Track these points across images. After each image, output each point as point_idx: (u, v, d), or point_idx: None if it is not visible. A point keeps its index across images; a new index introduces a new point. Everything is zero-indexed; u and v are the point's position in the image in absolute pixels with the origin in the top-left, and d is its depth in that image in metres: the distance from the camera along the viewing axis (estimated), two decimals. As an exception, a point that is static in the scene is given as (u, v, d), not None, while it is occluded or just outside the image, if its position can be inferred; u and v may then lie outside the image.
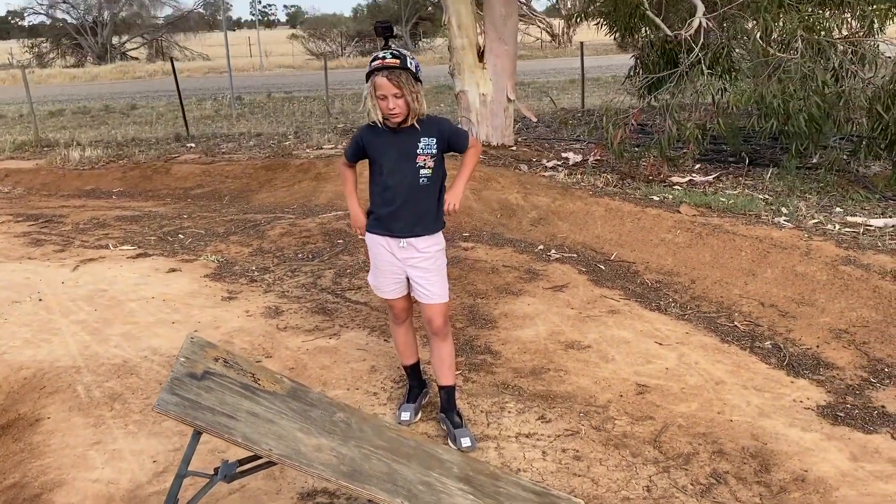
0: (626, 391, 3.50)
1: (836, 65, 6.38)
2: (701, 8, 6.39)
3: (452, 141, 3.01)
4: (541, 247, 5.63)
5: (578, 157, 7.83)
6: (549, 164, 7.56)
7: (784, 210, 5.54)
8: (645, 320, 4.30)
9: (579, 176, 6.96)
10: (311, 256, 5.70)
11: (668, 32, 6.62)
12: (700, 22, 6.32)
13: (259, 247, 5.97)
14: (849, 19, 6.73)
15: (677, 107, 6.77)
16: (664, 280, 4.91)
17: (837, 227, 5.11)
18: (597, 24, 9.77)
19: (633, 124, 6.63)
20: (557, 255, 5.43)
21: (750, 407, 3.31)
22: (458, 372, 3.74)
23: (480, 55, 8.18)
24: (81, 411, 3.45)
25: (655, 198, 6.03)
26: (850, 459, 2.89)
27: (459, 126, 3.11)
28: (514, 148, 8.33)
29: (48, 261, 5.74)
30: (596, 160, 7.61)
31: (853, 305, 4.12)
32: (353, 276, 5.21)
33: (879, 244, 4.65)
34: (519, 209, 6.36)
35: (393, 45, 2.94)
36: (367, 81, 2.87)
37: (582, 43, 14.40)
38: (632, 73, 8.75)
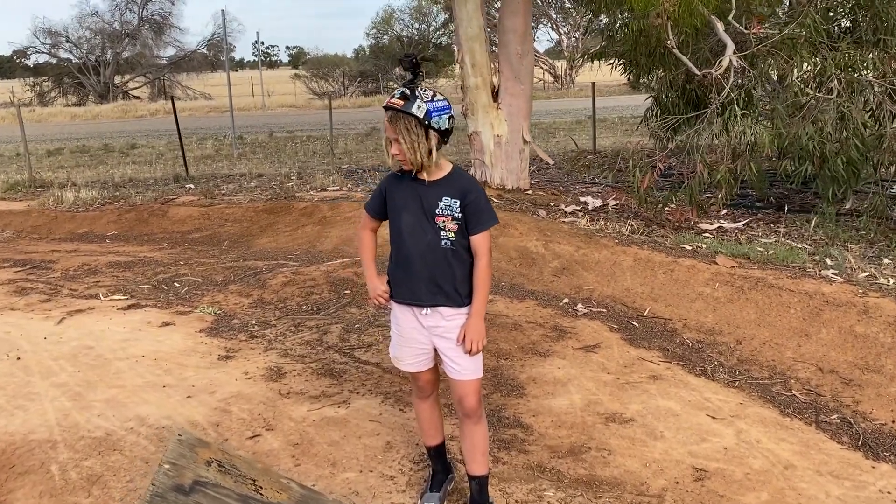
0: (681, 476, 3.04)
1: (875, 105, 6.02)
2: (731, 46, 6.06)
3: (471, 216, 2.56)
4: (566, 300, 5.19)
5: (598, 202, 7.44)
6: (568, 209, 7.17)
7: (829, 261, 5.11)
8: (691, 388, 3.84)
9: (602, 222, 6.56)
10: (316, 309, 5.26)
11: (696, 71, 6.27)
12: (730, 60, 5.97)
13: (260, 297, 5.53)
14: (886, 58, 6.39)
15: (706, 150, 6.39)
16: (706, 340, 4.46)
17: (892, 281, 4.68)
18: (611, 65, 9.46)
19: (660, 168, 6.24)
20: (585, 310, 4.99)
21: (830, 499, 2.84)
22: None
23: (495, 95, 7.85)
24: (54, 498, 2.98)
25: (687, 247, 5.62)
26: (968, 574, 2.42)
27: (486, 200, 2.62)
28: (529, 192, 7.95)
29: (32, 312, 5.30)
30: (617, 205, 7.21)
31: (928, 373, 3.68)
32: (363, 331, 4.77)
33: (945, 302, 4.22)
34: (539, 258, 5.94)
35: (417, 82, 2.58)
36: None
37: (593, 84, 14.15)
38: (649, 115, 8.43)
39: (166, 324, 5.00)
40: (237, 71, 76.08)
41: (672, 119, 7.07)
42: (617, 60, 8.87)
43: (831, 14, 6.58)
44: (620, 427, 3.45)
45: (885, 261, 5.20)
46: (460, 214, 2.56)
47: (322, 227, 7.36)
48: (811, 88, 6.05)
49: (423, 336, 2.69)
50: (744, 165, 6.14)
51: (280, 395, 3.89)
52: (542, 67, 36.36)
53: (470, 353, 2.63)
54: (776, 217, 6.60)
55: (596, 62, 9.70)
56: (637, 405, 3.66)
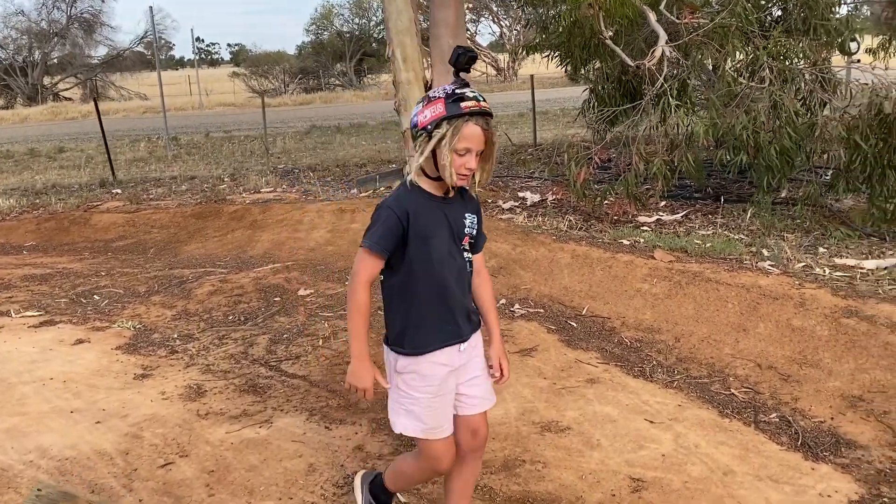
0: (618, 488, 2.89)
1: (806, 93, 6.01)
2: (663, 36, 5.98)
3: (479, 232, 2.35)
4: (503, 301, 5.04)
5: (537, 197, 7.32)
6: (506, 206, 7.02)
7: (766, 252, 5.07)
8: (629, 390, 3.72)
9: (540, 218, 6.42)
10: (243, 319, 5.00)
11: (630, 62, 6.18)
12: (663, 51, 5.89)
13: (184, 308, 5.24)
14: (816, 46, 6.40)
15: (642, 141, 6.31)
16: (645, 338, 4.35)
17: (828, 270, 4.64)
18: (547, 57, 9.34)
19: (596, 162, 6.13)
20: (522, 311, 4.84)
21: (772, 507, 2.73)
22: (415, 468, 3.08)
23: (428, 90, 7.64)
24: (-66, 548, 2.69)
25: (625, 241, 5.51)
26: (910, 583, 2.33)
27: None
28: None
29: (-69, 335, 4.92)
30: (555, 199, 7.09)
31: (864, 366, 3.61)
32: (291, 341, 4.53)
33: (880, 291, 4.18)
34: (476, 257, 5.77)
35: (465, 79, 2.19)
36: (436, 124, 2.08)
37: (532, 76, 14.06)
38: (586, 107, 8.33)
39: (80, 341, 4.68)
40: (177, 70, 74.29)
41: (608, 111, 6.98)
42: (553, 53, 8.75)
43: (762, 3, 6.56)
44: (556, 436, 3.30)
45: (821, 250, 5.18)
46: (476, 233, 2.33)
47: (253, 231, 7.07)
48: (744, 78, 6.01)
49: (454, 379, 2.33)
50: (680, 156, 6.08)
51: (198, 416, 3.64)
52: (484, 61, 36.31)
53: (503, 375, 2.41)
54: (714, 208, 6.57)
55: (537, 55, 9.58)
56: (574, 412, 3.52)
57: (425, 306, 2.22)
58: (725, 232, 5.73)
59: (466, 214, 2.27)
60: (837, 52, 8.74)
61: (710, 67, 7.47)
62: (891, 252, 5.10)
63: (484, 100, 2.11)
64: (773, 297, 4.27)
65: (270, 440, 3.37)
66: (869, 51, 11.61)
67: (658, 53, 5.88)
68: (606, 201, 6.55)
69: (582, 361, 4.08)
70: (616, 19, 6.30)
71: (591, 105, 8.19)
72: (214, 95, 34.83)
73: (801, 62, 6.38)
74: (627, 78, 7.35)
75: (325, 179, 9.31)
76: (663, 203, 6.82)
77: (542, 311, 4.84)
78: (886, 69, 6.46)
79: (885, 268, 4.68)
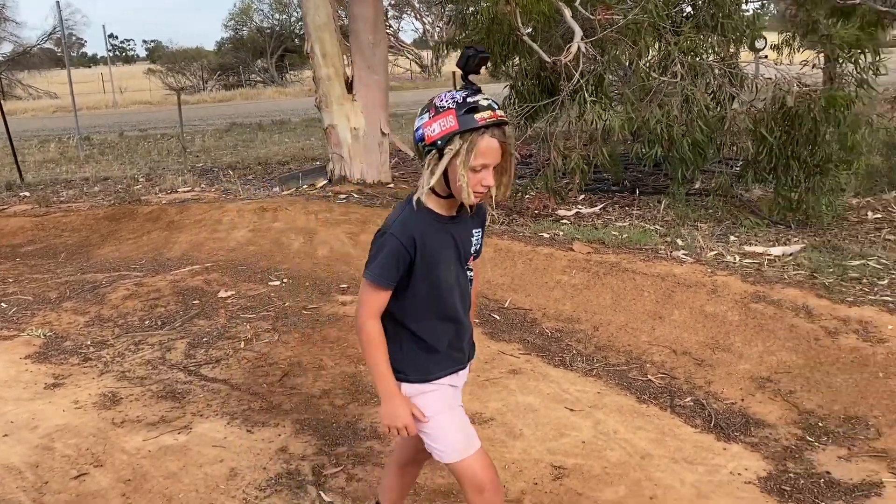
0: (540, 476, 2.95)
1: (716, 87, 6.24)
2: (579, 33, 6.10)
3: (482, 242, 2.21)
4: (427, 296, 5.05)
5: (460, 192, 7.36)
6: (430, 201, 7.04)
7: (680, 242, 5.24)
8: (550, 380, 3.79)
9: (463, 213, 6.46)
10: (160, 323, 4.85)
11: (547, 58, 6.27)
12: (579, 47, 6.01)
13: (97, 314, 5.06)
14: (724, 42, 6.65)
15: (560, 136, 6.42)
16: (565, 328, 4.44)
17: (738, 258, 4.83)
18: (468, 53, 9.38)
19: (516, 157, 6.20)
20: (446, 306, 4.86)
21: (685, 487, 2.83)
22: (339, 467, 3.07)
23: (349, 86, 7.59)
24: None
25: (546, 235, 5.61)
26: (812, 552, 2.45)
27: None
28: (391, 185, 7.76)
29: None
30: (478, 195, 7.15)
31: (771, 348, 3.78)
32: (211, 345, 4.43)
33: (785, 276, 4.38)
34: (400, 253, 5.77)
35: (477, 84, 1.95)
36: (447, 139, 1.87)
37: (454, 73, 14.11)
38: (507, 103, 8.41)
39: (-15, 352, 4.46)
40: (90, 67, 71.31)
41: (528, 107, 7.07)
42: (473, 49, 8.79)
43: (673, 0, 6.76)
44: (480, 428, 3.33)
45: (732, 238, 5.38)
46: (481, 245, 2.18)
47: (170, 232, 6.87)
48: (657, 73, 6.19)
49: (459, 396, 2.25)
50: (597, 151, 6.22)
51: (113, 424, 3.52)
52: (408, 57, 36.29)
53: None
54: (631, 200, 6.74)
55: (459, 51, 9.61)
56: (497, 403, 3.56)
57: (431, 335, 2.08)
58: (641, 223, 5.89)
59: (474, 231, 2.11)
60: (746, 49, 9.11)
61: (626, 63, 7.67)
62: (795, 239, 5.35)
63: (499, 106, 1.91)
64: (687, 285, 4.42)
65: (190, 446, 3.29)
66: (774, 47, 12.14)
67: (574, 49, 6.00)
68: (527, 196, 6.64)
69: (505, 353, 4.14)
70: (533, 16, 6.39)
71: (512, 101, 8.28)
72: (129, 93, 33.66)
73: (711, 58, 6.61)
74: (546, 74, 7.45)
75: (246, 178, 9.13)
76: (582, 196, 6.96)
77: (466, 305, 4.87)
78: (791, 64, 6.76)
79: (790, 254, 4.91)
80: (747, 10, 7.68)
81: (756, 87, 6.23)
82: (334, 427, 3.40)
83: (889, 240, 5.26)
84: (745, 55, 8.32)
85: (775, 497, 2.75)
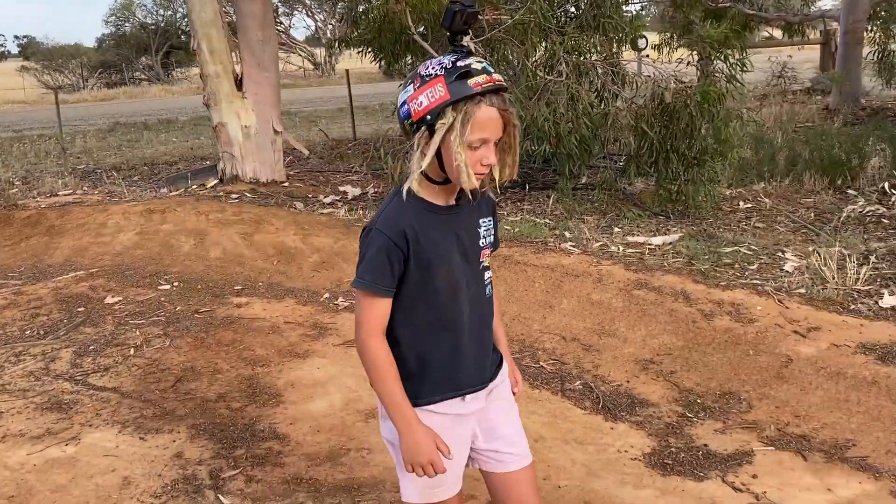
0: (440, 465, 3.02)
1: (599, 86, 6.51)
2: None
3: (496, 234, 1.88)
4: (327, 294, 5.04)
5: (358, 191, 7.37)
6: (328, 200, 7.01)
7: (568, 234, 5.45)
8: (449, 372, 3.87)
9: (361, 211, 6.48)
10: (42, 333, 4.63)
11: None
12: (469, 46, 6.12)
13: (-28, 326, 4.76)
14: (606, 42, 6.94)
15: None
16: (462, 321, 4.54)
17: (621, 248, 5.08)
18: (360, 52, 9.39)
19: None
20: (346, 303, 4.87)
21: (576, 466, 2.97)
22: (238, 469, 3.04)
23: (238, 83, 7.45)
24: None
25: (442, 230, 5.70)
26: (690, 518, 2.63)
27: None
28: (286, 184, 7.67)
29: None
30: (376, 193, 7.18)
31: (653, 332, 4.01)
32: (99, 353, 4.27)
33: (665, 264, 4.64)
34: (298, 253, 5.72)
35: (467, 46, 1.69)
36: (438, 112, 1.59)
37: (347, 71, 14.05)
38: (402, 101, 8.48)
39: None
40: (-47, 64, 66.26)
41: (421, 104, 7.15)
42: (366, 48, 8.81)
43: (557, 1, 6.99)
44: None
45: (616, 229, 5.64)
46: (494, 237, 1.85)
47: (50, 237, 6.54)
48: (543, 72, 6.39)
49: (468, 437, 1.86)
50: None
51: (-7, 440, 3.34)
52: (300, 55, 35.77)
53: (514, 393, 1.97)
54: (522, 195, 6.94)
55: (353, 49, 9.59)
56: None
57: (424, 347, 1.75)
58: (532, 217, 6.09)
59: (481, 221, 1.79)
60: (629, 48, 9.52)
61: (515, 63, 7.88)
62: (675, 228, 5.67)
63: (494, 71, 1.62)
64: (575, 275, 4.62)
65: (79, 457, 3.17)
66: (654, 47, 12.75)
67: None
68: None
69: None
70: (423, 15, 6.47)
71: (406, 99, 8.34)
72: (0, 92, 31.59)
73: (594, 57, 6.89)
74: (439, 72, 7.56)
75: (132, 179, 8.79)
76: (477, 192, 7.11)
77: (364, 302, 4.90)
78: (669, 63, 7.12)
79: (670, 243, 5.21)
80: (629, 12, 8.05)
81: (637, 84, 6.55)
82: (231, 430, 3.36)
83: (758, 227, 5.65)
84: (628, 54, 8.72)
85: (658, 471, 2.93)
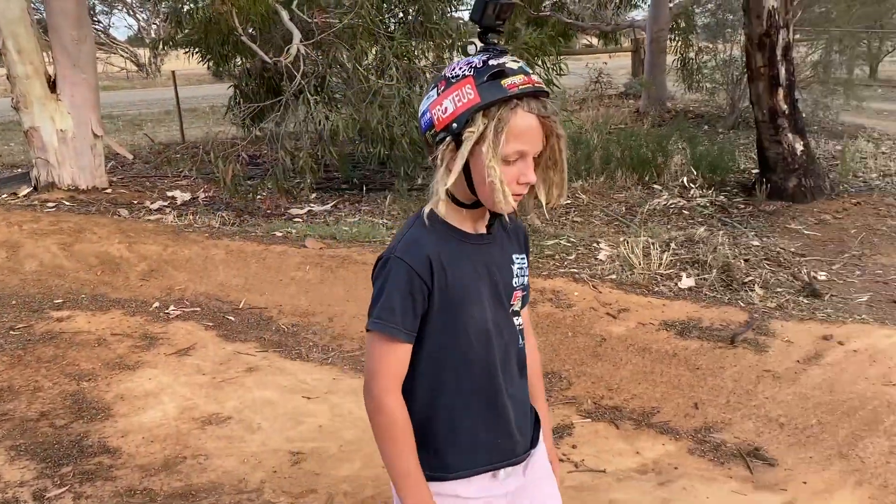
0: (279, 464, 3.06)
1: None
2: (297, 34, 6.23)
3: (527, 278, 1.58)
4: (156, 304, 4.88)
5: (188, 196, 7.13)
6: (154, 206, 6.74)
7: (404, 233, 5.61)
8: (288, 373, 3.90)
9: (191, 217, 6.30)
10: None
11: (267, 59, 6.33)
12: (298, 49, 6.14)
13: None
14: (433, 47, 7.19)
15: (287, 136, 6.51)
16: (301, 322, 4.56)
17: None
18: (187, 53, 9.09)
19: (244, 157, 6.19)
20: (178, 312, 4.74)
21: (413, 452, 3.11)
22: (65, 487, 2.91)
23: (52, 85, 6.98)
24: None
25: (278, 233, 5.68)
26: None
27: None
28: (108, 190, 7.28)
29: None
30: (207, 197, 7.00)
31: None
32: None
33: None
34: (124, 262, 5.47)
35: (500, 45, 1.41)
36: (465, 119, 1.32)
37: (174, 72, 13.49)
38: (232, 104, 8.31)
39: None
40: None
41: (253, 107, 7.06)
42: (192, 49, 8.54)
43: (386, 6, 7.15)
44: (217, 428, 3.35)
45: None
46: (527, 278, 1.56)
47: None
48: (374, 75, 6.52)
49: None
50: (324, 150, 6.40)
51: None
52: (122, 56, 33.77)
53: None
54: (360, 197, 7.04)
55: (181, 50, 9.25)
56: (234, 401, 3.59)
57: (456, 414, 1.44)
58: (370, 218, 6.20)
59: (515, 256, 1.50)
60: (461, 54, 9.83)
61: (350, 66, 7.96)
62: (504, 225, 5.98)
63: (533, 72, 1.38)
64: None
65: None
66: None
67: (294, 51, 6.12)
68: (259, 196, 6.66)
69: (241, 353, 4.16)
70: (251, 17, 6.40)
71: (237, 101, 8.20)
72: None
73: (423, 62, 7.11)
74: (269, 74, 7.49)
75: (-70, 190, 7.97)
76: (314, 195, 7.12)
77: (199, 309, 4.79)
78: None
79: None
80: (462, 18, 8.37)
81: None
82: (56, 448, 3.20)
83: (576, 221, 6.09)
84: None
85: (489, 449, 3.13)
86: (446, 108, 1.33)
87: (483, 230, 1.45)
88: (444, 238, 1.40)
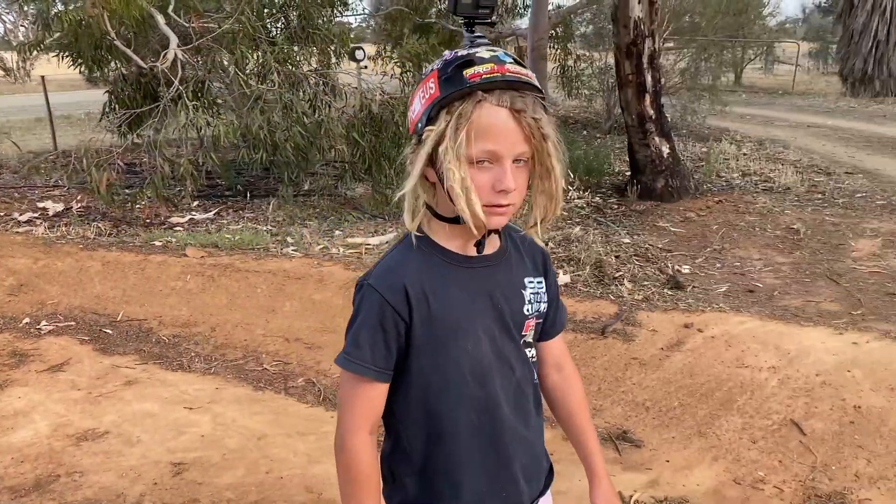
0: (160, 476, 3.00)
1: (311, 95, 6.72)
2: (174, 39, 6.09)
3: (552, 301, 1.40)
4: (27, 320, 4.65)
5: (60, 206, 6.82)
6: (24, 218, 6.42)
7: (290, 239, 5.59)
8: (169, 384, 3.82)
9: (64, 228, 6.03)
10: None
11: (143, 64, 6.16)
12: (175, 54, 6.00)
13: None
14: (316, 53, 7.19)
15: (166, 143, 6.35)
16: (182, 333, 4.47)
17: (342, 249, 5.34)
18: (57, 57, 8.67)
19: (120, 165, 5.99)
20: (50, 327, 4.54)
21: (298, 456, 3.13)
22: (-76, 516, 2.76)
23: None
24: None
25: (158, 243, 5.53)
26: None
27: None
28: (-29, 203, 6.87)
29: None
30: (81, 208, 6.71)
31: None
32: None
33: (379, 262, 4.97)
34: (-11, 277, 5.19)
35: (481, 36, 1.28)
36: (426, 116, 1.18)
37: (43, 77, 12.82)
38: (108, 110, 8.00)
39: None
40: None
41: (129, 114, 6.83)
42: (63, 53, 8.17)
43: (267, 11, 7.09)
44: (94, 443, 3.25)
45: (337, 232, 5.90)
46: (546, 305, 1.37)
47: None
48: (255, 81, 6.46)
49: None
50: (205, 156, 6.29)
51: None
52: (-13, 59, 31.61)
53: None
54: (244, 204, 6.94)
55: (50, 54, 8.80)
56: (112, 416, 3.49)
57: (459, 461, 1.28)
58: (254, 224, 6.14)
59: (527, 280, 1.33)
60: (348, 60, 9.89)
61: (232, 71, 7.83)
62: (391, 229, 6.06)
63: (515, 61, 1.17)
64: (297, 278, 4.77)
65: None
66: (370, 58, 13.33)
67: (171, 56, 5.98)
68: (138, 205, 6.45)
69: (119, 366, 4.04)
70: (123, 21, 6.20)
71: (113, 107, 7.90)
72: None
73: (307, 67, 7.10)
74: (147, 80, 7.27)
75: None
76: (196, 203, 6.96)
77: (73, 323, 4.61)
78: (384, 74, 7.56)
79: (386, 242, 5.58)
80: (351, 23, 8.39)
81: (346, 95, 6.88)
82: (-86, 475, 3.02)
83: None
84: (351, 65, 9.08)
85: (373, 448, 3.20)
86: (415, 108, 1.21)
87: (481, 250, 1.27)
88: (430, 262, 1.24)
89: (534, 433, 1.36)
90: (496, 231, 1.26)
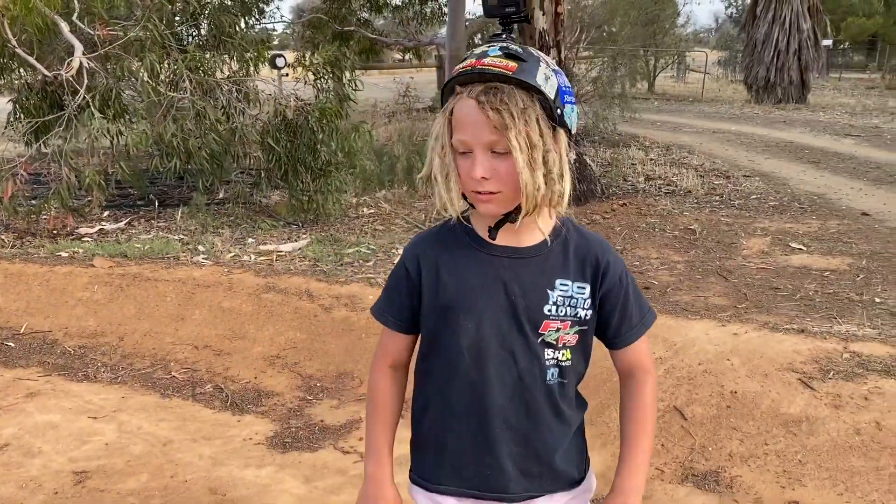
0: (61, 485, 3.00)
1: (225, 103, 6.71)
2: (79, 47, 5.99)
3: (624, 308, 1.39)
4: (-79, 335, 4.52)
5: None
6: (-80, 231, 6.18)
7: (201, 248, 5.58)
8: (73, 395, 3.79)
9: (-33, 241, 5.85)
10: None
11: (46, 72, 6.03)
12: (81, 62, 5.91)
13: None
14: (228, 61, 7.17)
15: (74, 153, 6.23)
16: (89, 344, 4.43)
17: (253, 257, 5.36)
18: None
19: (23, 175, 5.85)
20: (-53, 342, 4.43)
21: (203, 460, 3.17)
22: None
23: None
24: None
25: (64, 254, 5.43)
26: (304, 483, 2.99)
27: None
28: None
29: None
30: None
31: (280, 330, 4.35)
32: None
33: (292, 268, 5.03)
34: None
35: (513, 40, 1.32)
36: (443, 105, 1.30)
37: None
38: (13, 119, 7.77)
39: None
40: None
41: (34, 123, 6.67)
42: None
43: (177, 19, 7.04)
44: (-8, 457, 3.21)
45: (250, 240, 5.92)
46: (590, 312, 1.36)
47: None
48: (166, 89, 6.41)
49: None
50: (113, 166, 6.20)
51: None
52: None
53: None
54: (157, 213, 6.87)
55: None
56: (13, 428, 3.45)
57: (446, 429, 1.38)
58: (165, 234, 6.09)
59: (559, 282, 1.33)
60: (267, 66, 9.86)
61: (142, 79, 7.71)
62: (305, 235, 6.12)
63: (509, 56, 1.21)
64: (206, 286, 4.78)
65: None
66: (290, 66, 13.30)
67: (76, 64, 5.88)
68: (44, 216, 6.30)
69: (21, 378, 3.98)
70: (25, 28, 6.06)
71: (18, 116, 7.68)
72: None
73: (220, 75, 7.07)
74: (53, 88, 7.11)
75: None
76: (107, 213, 6.85)
77: (-28, 338, 4.50)
78: (296, 80, 7.57)
79: (299, 248, 5.63)
80: (274, 29, 8.37)
81: (260, 102, 6.89)
82: None
83: (378, 229, 6.36)
84: (270, 72, 9.05)
85: (279, 450, 3.27)
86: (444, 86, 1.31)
87: (521, 242, 1.32)
88: (456, 241, 1.35)
89: (544, 430, 1.36)
90: (510, 220, 1.28)
